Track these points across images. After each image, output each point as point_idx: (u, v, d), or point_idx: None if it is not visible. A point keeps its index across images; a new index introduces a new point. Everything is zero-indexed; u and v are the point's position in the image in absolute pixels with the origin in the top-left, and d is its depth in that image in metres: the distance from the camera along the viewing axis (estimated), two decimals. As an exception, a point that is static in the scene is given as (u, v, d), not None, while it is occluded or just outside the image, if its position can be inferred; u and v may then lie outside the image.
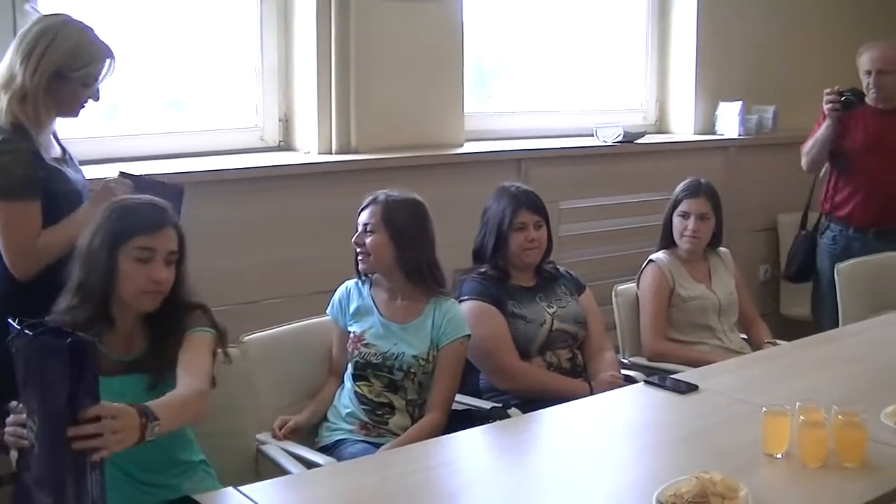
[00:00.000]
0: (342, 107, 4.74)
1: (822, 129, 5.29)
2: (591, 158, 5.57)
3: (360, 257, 3.60)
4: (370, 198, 3.62)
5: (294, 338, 3.68)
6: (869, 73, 5.26)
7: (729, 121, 6.19)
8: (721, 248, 4.61)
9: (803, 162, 5.47)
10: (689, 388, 3.30)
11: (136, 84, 4.50)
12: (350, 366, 3.58)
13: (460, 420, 3.54)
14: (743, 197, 6.17)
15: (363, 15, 4.71)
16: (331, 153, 4.76)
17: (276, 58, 4.80)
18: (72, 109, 3.38)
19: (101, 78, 3.33)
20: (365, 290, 3.65)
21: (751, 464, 2.71)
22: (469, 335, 3.61)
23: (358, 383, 3.55)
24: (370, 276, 3.66)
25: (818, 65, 6.70)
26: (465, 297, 3.88)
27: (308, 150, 4.79)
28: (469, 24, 5.23)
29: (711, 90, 6.25)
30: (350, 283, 3.67)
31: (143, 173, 3.48)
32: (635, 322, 4.42)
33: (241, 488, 2.60)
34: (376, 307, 3.61)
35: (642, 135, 5.77)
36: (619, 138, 5.60)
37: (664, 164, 5.59)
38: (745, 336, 4.57)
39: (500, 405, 3.65)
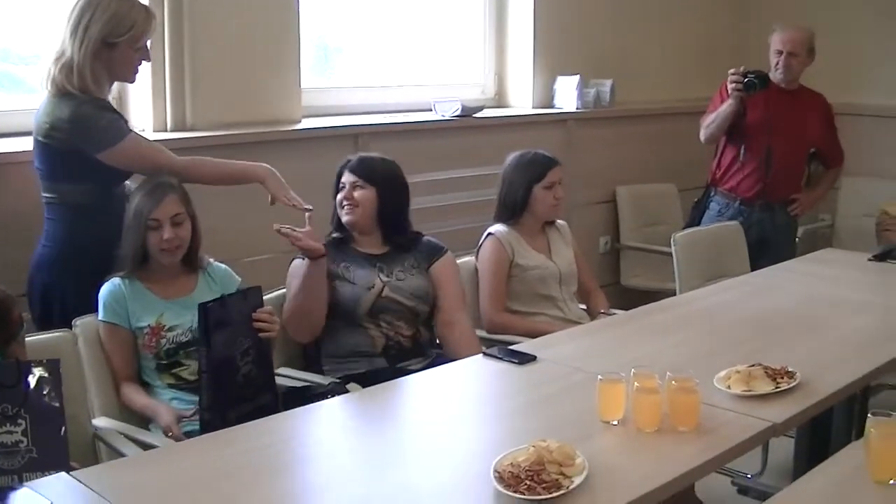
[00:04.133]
0: (176, 84, 4.64)
1: (724, 106, 5.43)
2: (429, 133, 5.55)
3: (170, 249, 3.53)
4: (167, 187, 3.56)
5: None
6: (780, 52, 5.43)
7: (567, 95, 6.23)
8: (559, 221, 4.65)
9: (702, 134, 5.62)
10: (527, 359, 3.31)
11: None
12: (153, 362, 3.50)
13: (298, 397, 3.50)
14: (581, 170, 6.23)
15: (195, -11, 4.61)
16: (166, 130, 4.66)
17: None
18: (128, 74, 3.78)
19: (145, 38, 3.69)
20: (137, 284, 3.53)
21: (588, 431, 2.73)
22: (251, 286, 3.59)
23: (172, 371, 3.49)
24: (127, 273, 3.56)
25: (655, 39, 6.84)
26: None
27: (143, 128, 4.65)
28: (310, 1, 5.19)
29: (549, 64, 6.27)
30: (115, 282, 3.51)
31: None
32: (475, 295, 4.42)
33: (73, 473, 2.54)
34: (154, 294, 3.54)
35: (480, 109, 5.78)
36: (458, 113, 5.59)
37: (503, 138, 5.57)
38: (584, 306, 4.62)
39: (339, 380, 3.63)
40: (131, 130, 3.70)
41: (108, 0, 3.59)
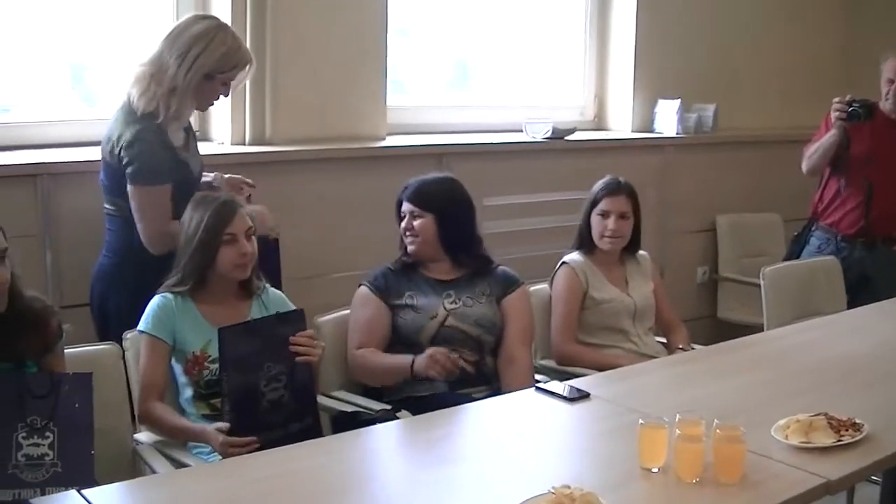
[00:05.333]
0: (256, 97, 4.60)
1: (827, 137, 5.20)
2: (517, 154, 5.44)
3: (244, 264, 3.48)
4: (235, 203, 3.52)
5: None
6: (891, 81, 5.16)
7: (667, 119, 6.05)
8: (640, 252, 4.47)
9: (804, 165, 5.38)
10: (580, 396, 3.16)
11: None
12: (190, 390, 3.41)
13: (348, 422, 3.43)
14: (680, 197, 6.09)
15: (280, 2, 4.56)
16: (244, 144, 4.62)
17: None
18: (207, 105, 3.89)
19: (239, 79, 3.78)
20: (189, 304, 3.44)
21: (625, 477, 2.59)
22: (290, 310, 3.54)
23: (210, 402, 3.38)
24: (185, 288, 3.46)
25: (761, 63, 6.63)
26: (360, 283, 3.90)
27: (222, 140, 4.65)
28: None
29: (651, 87, 6.11)
30: (168, 296, 3.43)
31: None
32: (548, 324, 4.29)
33: (84, 491, 2.48)
34: (205, 319, 3.44)
35: (572, 131, 5.63)
36: (548, 135, 5.46)
37: (595, 163, 5.39)
38: (664, 340, 4.45)
39: (389, 407, 3.53)
40: (165, 184, 3.62)
41: (224, 35, 3.66)
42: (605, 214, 4.30)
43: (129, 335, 3.42)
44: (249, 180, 4.01)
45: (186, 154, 3.78)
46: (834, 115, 5.12)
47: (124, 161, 3.57)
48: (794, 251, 5.48)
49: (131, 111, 3.62)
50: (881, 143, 5.15)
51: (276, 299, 3.61)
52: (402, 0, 5.28)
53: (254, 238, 3.48)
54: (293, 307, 3.57)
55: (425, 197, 3.93)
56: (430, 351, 3.61)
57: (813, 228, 5.41)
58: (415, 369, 3.61)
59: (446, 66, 5.86)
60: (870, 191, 5.16)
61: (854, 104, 5.08)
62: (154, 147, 3.59)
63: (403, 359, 3.68)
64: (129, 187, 3.58)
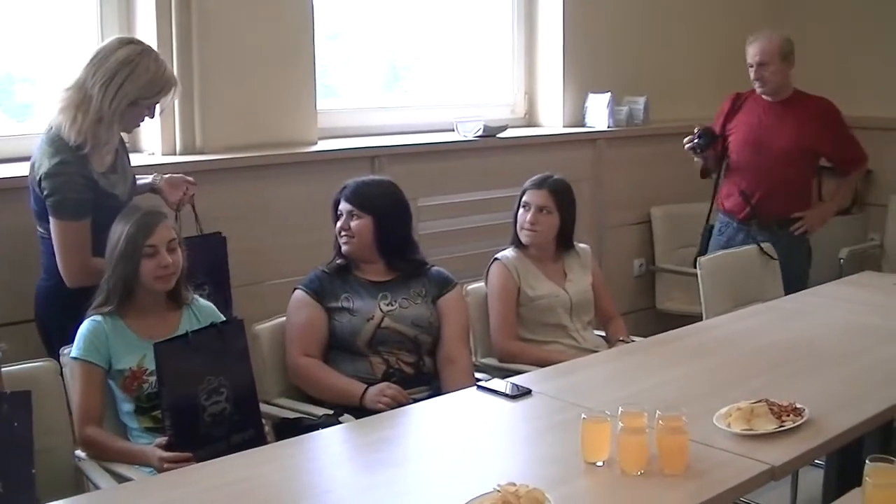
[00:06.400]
0: (185, 106, 4.55)
1: (696, 161, 5.41)
2: (450, 154, 5.42)
3: (166, 276, 3.41)
4: (158, 214, 3.48)
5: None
6: (751, 65, 5.23)
7: (598, 113, 6.06)
8: (581, 246, 4.47)
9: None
10: (521, 393, 3.17)
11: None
12: (131, 405, 3.34)
13: (290, 429, 3.40)
14: (614, 190, 6.12)
15: (205, 9, 4.52)
16: (175, 154, 4.57)
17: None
18: (132, 128, 3.88)
19: (165, 102, 3.71)
20: (119, 323, 3.36)
21: (570, 473, 2.60)
22: (225, 320, 3.51)
23: (151, 415, 3.32)
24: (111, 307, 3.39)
25: (690, 54, 6.67)
26: (296, 287, 3.86)
27: (152, 151, 4.60)
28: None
29: (580, 81, 6.11)
30: (97, 319, 3.35)
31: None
32: (487, 322, 4.27)
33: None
34: (136, 334, 3.37)
35: (503, 129, 5.62)
36: (479, 133, 5.45)
37: (529, 159, 5.41)
38: (603, 333, 4.45)
39: (332, 412, 3.50)
40: (84, 219, 3.55)
41: (148, 62, 3.58)
42: (525, 207, 4.32)
43: (65, 350, 3.36)
44: (190, 178, 3.99)
45: (114, 177, 3.69)
46: (690, 153, 5.33)
47: (45, 192, 3.51)
48: (704, 239, 5.52)
49: (55, 139, 3.54)
50: (758, 126, 5.29)
51: (208, 310, 3.56)
52: (331, 5, 5.27)
53: (178, 250, 3.43)
54: (222, 317, 3.55)
55: (364, 198, 3.90)
56: (382, 386, 3.61)
57: (717, 214, 5.49)
58: (364, 401, 3.58)
59: (378, 69, 5.84)
60: (753, 175, 5.30)
61: (697, 139, 5.25)
62: (74, 180, 3.52)
63: (355, 386, 3.66)
64: (49, 219, 3.53)
